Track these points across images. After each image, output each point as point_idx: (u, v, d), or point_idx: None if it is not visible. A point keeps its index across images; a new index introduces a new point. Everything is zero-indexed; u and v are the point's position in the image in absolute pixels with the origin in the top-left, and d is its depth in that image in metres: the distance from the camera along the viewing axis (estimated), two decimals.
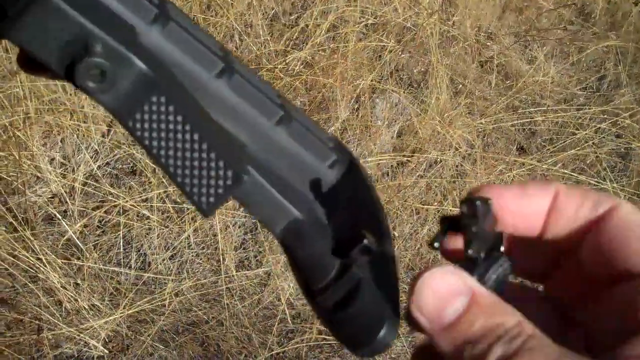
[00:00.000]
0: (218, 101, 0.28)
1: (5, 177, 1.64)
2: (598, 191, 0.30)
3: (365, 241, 0.28)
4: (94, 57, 0.25)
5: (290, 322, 1.66)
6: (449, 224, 0.28)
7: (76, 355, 1.59)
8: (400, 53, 2.00)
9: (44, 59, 0.26)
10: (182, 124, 0.26)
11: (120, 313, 1.61)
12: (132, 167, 1.78)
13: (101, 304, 1.61)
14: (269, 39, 1.87)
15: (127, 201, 1.69)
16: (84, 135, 1.77)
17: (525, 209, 0.29)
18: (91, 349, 1.58)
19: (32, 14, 0.25)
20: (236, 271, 1.70)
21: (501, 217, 0.29)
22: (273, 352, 1.62)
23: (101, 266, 1.65)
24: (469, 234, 0.27)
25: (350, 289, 0.28)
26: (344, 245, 0.29)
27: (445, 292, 0.26)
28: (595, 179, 2.00)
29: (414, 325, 0.26)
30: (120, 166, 1.78)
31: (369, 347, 0.27)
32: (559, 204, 0.29)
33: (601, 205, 0.29)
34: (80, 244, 1.64)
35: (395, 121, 1.91)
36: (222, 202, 0.27)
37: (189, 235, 1.70)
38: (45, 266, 1.59)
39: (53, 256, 1.61)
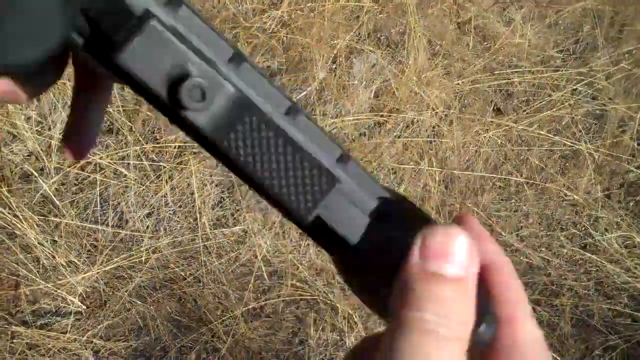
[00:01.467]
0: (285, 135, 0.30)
1: None
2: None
3: None
4: (196, 77, 0.28)
5: (266, 278, 1.68)
6: None
7: (54, 311, 1.60)
8: (378, 14, 2.00)
9: (147, 81, 0.28)
10: (274, 137, 0.29)
11: (98, 269, 1.62)
12: (109, 125, 1.78)
13: (78, 260, 1.62)
14: None
15: (101, 158, 1.69)
16: (60, 93, 1.76)
17: None
18: (69, 304, 1.59)
19: (139, 40, 0.27)
20: (213, 229, 1.71)
21: None
22: (249, 307, 1.64)
23: (78, 223, 1.65)
24: None
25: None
26: None
27: None
28: (571, 141, 2.01)
29: None
30: None
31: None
32: None
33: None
34: (57, 201, 1.65)
35: (373, 81, 1.92)
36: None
37: (166, 194, 1.71)
38: (22, 223, 1.59)
39: (30, 213, 1.62)
